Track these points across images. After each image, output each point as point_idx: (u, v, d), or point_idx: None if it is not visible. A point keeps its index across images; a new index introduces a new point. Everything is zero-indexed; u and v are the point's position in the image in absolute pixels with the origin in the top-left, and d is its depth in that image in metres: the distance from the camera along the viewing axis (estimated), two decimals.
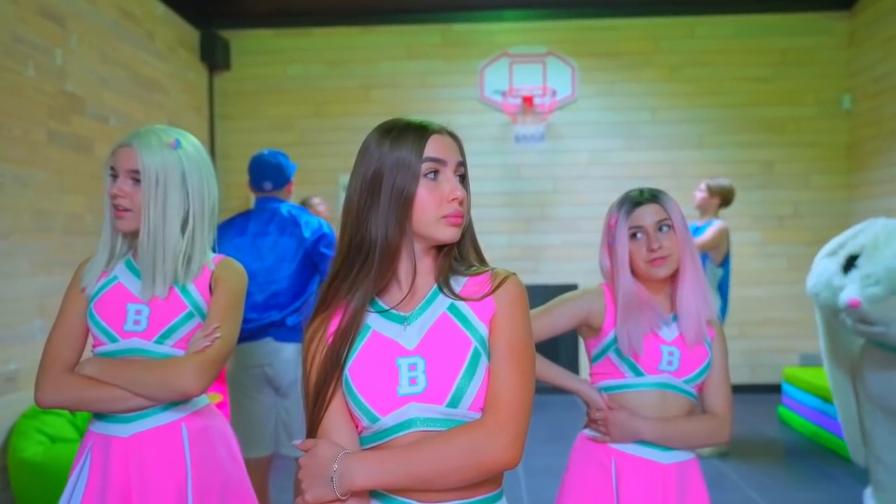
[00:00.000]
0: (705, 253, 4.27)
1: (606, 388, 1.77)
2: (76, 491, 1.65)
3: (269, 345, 2.85)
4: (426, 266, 1.25)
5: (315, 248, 2.90)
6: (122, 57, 4.76)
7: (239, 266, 1.77)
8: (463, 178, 1.23)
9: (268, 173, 2.96)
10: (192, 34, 5.90)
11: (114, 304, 1.65)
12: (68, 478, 1.69)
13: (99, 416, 1.67)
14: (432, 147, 1.18)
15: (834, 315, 2.78)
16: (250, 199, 6.08)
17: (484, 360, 1.17)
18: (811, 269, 2.94)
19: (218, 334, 1.63)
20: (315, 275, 2.95)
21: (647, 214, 1.72)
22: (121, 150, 1.65)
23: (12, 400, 3.58)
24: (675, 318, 1.74)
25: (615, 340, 1.74)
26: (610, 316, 1.75)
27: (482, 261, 1.29)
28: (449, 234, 1.19)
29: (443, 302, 1.22)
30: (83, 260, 1.76)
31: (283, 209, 2.96)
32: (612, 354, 1.75)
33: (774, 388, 5.77)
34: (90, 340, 1.71)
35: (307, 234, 2.90)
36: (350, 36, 6.22)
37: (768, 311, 6.08)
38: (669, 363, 1.71)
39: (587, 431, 1.81)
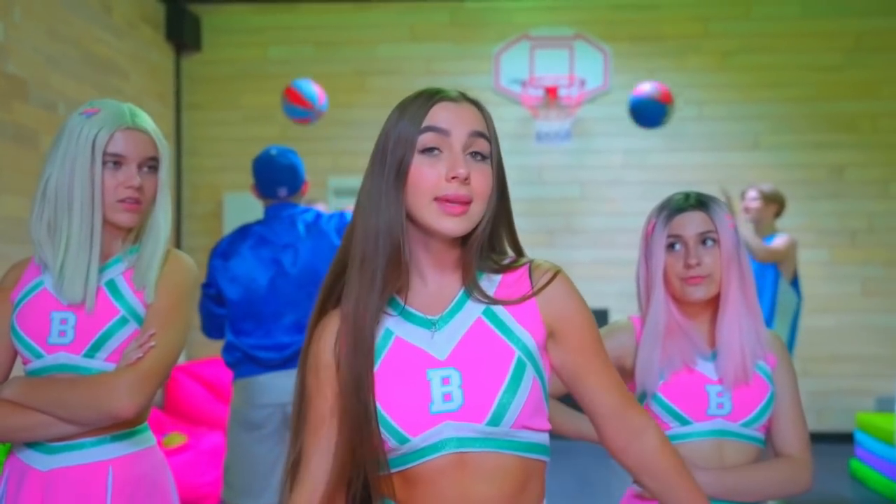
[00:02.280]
0: (775, 266, 4.29)
1: None
2: None
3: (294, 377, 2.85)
4: (452, 260, 1.24)
5: None
6: (73, 33, 4.79)
7: (188, 259, 1.77)
8: (482, 157, 1.19)
9: (283, 178, 2.98)
10: (156, 8, 5.94)
11: (37, 314, 1.64)
12: None
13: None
14: (436, 114, 1.17)
15: None
16: (222, 204, 6.13)
17: (530, 372, 1.19)
18: None
19: (153, 343, 1.60)
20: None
21: (690, 224, 1.71)
22: (130, 135, 1.64)
23: None
24: (716, 355, 1.72)
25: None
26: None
27: (519, 251, 1.29)
28: (446, 224, 1.16)
29: (476, 305, 1.23)
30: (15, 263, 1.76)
31: (308, 216, 3.01)
32: (650, 401, 1.73)
33: (845, 438, 5.72)
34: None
35: (338, 238, 2.92)
36: (343, 13, 6.27)
37: (838, 345, 6.07)
38: (720, 406, 1.68)
39: (635, 487, 1.76)
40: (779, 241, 4.34)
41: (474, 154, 1.18)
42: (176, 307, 1.69)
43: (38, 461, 1.63)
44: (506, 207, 1.26)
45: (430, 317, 1.23)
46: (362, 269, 1.20)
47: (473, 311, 1.23)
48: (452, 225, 1.16)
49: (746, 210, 4.54)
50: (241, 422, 2.92)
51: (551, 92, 5.98)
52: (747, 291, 1.71)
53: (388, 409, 1.17)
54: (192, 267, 1.77)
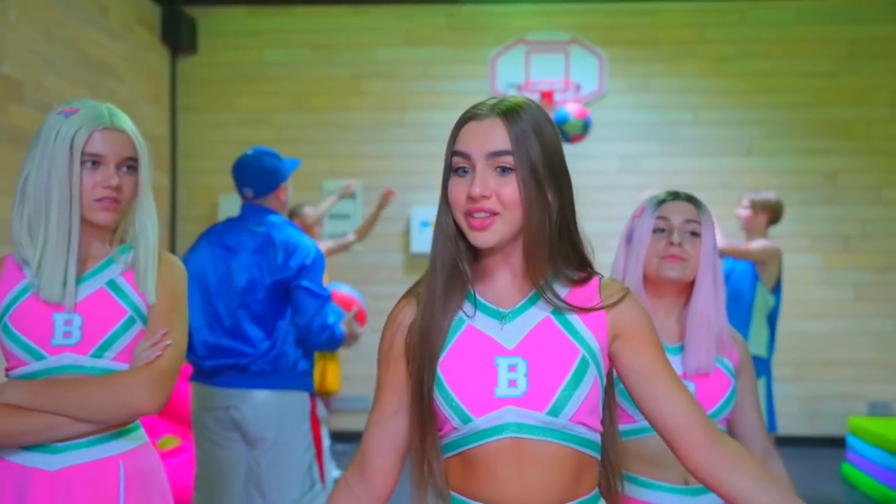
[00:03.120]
0: (754, 272, 4.32)
1: (622, 434, 1.80)
2: None
3: (231, 391, 2.83)
4: (518, 263, 1.32)
5: (295, 281, 2.85)
6: (68, 35, 4.79)
7: (177, 260, 1.82)
8: (507, 170, 1.26)
9: (248, 178, 2.94)
10: (151, 10, 5.94)
11: (35, 316, 1.65)
12: None
13: None
14: (463, 137, 1.27)
15: None
16: (217, 206, 6.14)
17: (592, 371, 1.26)
18: None
19: (168, 341, 1.66)
20: (286, 310, 2.89)
21: (678, 211, 1.83)
22: (108, 135, 1.65)
23: None
24: (682, 348, 1.83)
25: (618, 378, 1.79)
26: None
27: (586, 265, 1.36)
28: (475, 238, 1.26)
29: (544, 306, 1.30)
30: None
31: (263, 224, 2.91)
32: (618, 394, 1.80)
33: (838, 442, 5.75)
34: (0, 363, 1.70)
35: (287, 259, 2.85)
36: (339, 16, 6.28)
37: (831, 350, 6.09)
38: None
39: None
40: (755, 244, 4.36)
41: (500, 168, 1.25)
42: (178, 308, 1.75)
43: (46, 462, 1.63)
44: (564, 213, 1.33)
45: (501, 309, 1.31)
46: (431, 277, 1.32)
47: (543, 309, 1.30)
48: (479, 238, 1.25)
49: (738, 217, 4.57)
50: (196, 425, 2.92)
51: (547, 96, 6.00)
52: (718, 290, 1.82)
53: (456, 389, 1.25)
54: (182, 267, 1.82)
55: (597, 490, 1.34)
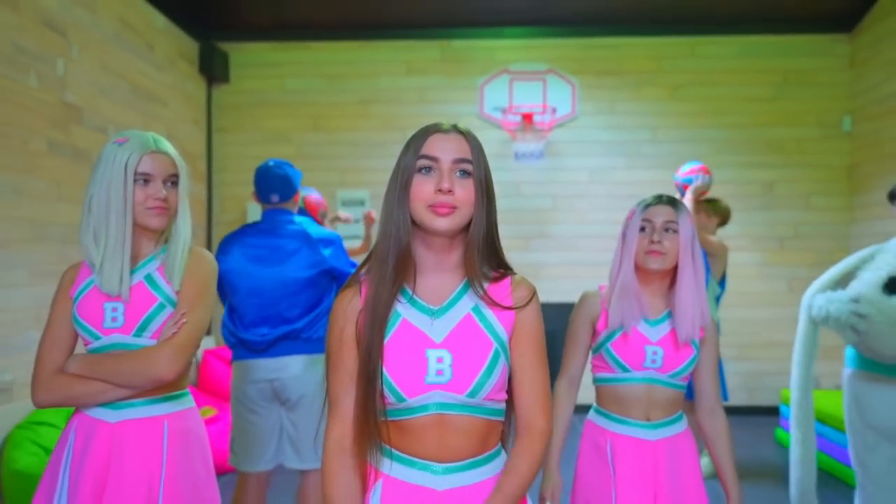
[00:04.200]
0: (706, 265, 4.37)
1: (600, 380, 2.00)
2: (64, 468, 1.77)
3: (278, 361, 2.84)
4: (452, 261, 1.37)
5: (334, 267, 2.90)
6: (121, 68, 4.84)
7: (208, 254, 1.91)
8: (466, 174, 1.32)
9: (275, 185, 2.95)
10: (191, 46, 5.99)
11: (92, 305, 1.78)
12: (51, 455, 1.82)
13: None
14: (429, 145, 1.32)
15: (860, 341, 2.73)
16: (246, 212, 6.21)
17: (502, 359, 1.34)
18: (810, 302, 2.91)
19: (185, 320, 1.77)
20: (331, 286, 2.96)
21: (659, 214, 1.95)
22: (155, 157, 1.78)
23: (7, 410, 3.64)
24: (668, 316, 1.96)
25: (607, 339, 1.96)
26: (604, 316, 1.98)
27: (502, 264, 1.41)
28: (437, 223, 1.29)
29: (467, 302, 1.35)
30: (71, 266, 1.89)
31: (295, 221, 2.97)
32: (603, 351, 1.98)
33: (772, 411, 5.83)
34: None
35: (322, 248, 2.91)
36: (348, 50, 6.30)
37: (768, 334, 6.12)
38: (653, 361, 1.93)
39: (590, 416, 2.04)
40: (712, 239, 4.42)
41: (460, 172, 1.31)
42: (200, 293, 1.83)
43: (107, 415, 1.78)
44: (492, 219, 1.36)
45: (431, 306, 1.35)
46: (380, 263, 1.34)
47: (465, 307, 1.35)
48: (442, 222, 1.29)
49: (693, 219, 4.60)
50: (238, 397, 2.90)
51: (527, 118, 6.03)
52: (698, 272, 1.93)
53: (392, 374, 1.30)
54: (212, 260, 1.91)
55: (499, 445, 1.41)
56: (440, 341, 1.32)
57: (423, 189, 1.30)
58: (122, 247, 1.76)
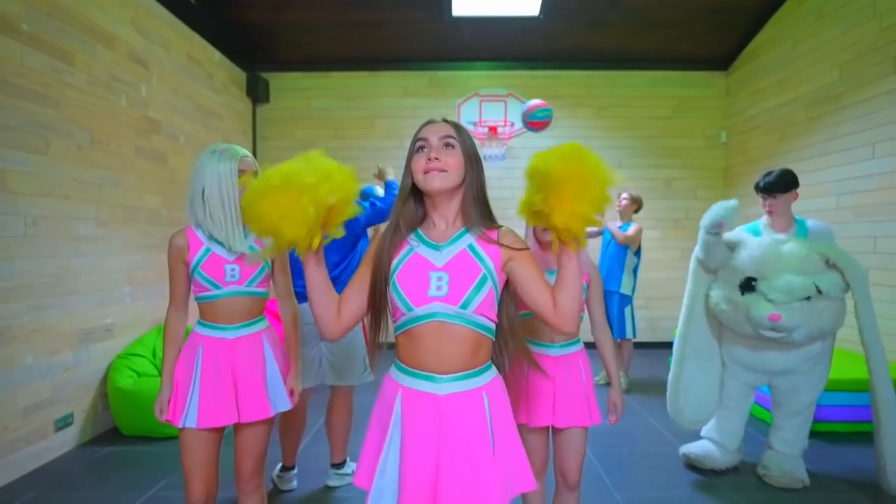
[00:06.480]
0: (627, 245, 4.47)
1: (524, 316, 1.75)
2: (196, 372, 1.77)
3: None
4: (452, 214, 1.34)
5: (364, 226, 2.77)
6: (188, 91, 4.79)
7: None
8: (450, 146, 1.30)
9: None
10: (240, 75, 5.91)
11: (214, 265, 1.80)
12: (176, 366, 1.80)
13: (204, 323, 1.82)
14: (422, 132, 1.32)
15: (737, 324, 2.71)
16: None
17: (489, 283, 1.27)
18: (699, 239, 2.90)
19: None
20: (359, 240, 2.80)
21: None
22: (248, 160, 1.81)
23: (110, 346, 3.66)
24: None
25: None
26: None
27: (492, 219, 1.37)
28: (430, 183, 1.28)
29: (465, 241, 1.31)
30: (173, 233, 1.87)
31: None
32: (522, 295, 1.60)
33: (668, 345, 5.89)
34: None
35: (358, 220, 2.73)
36: (360, 78, 6.24)
37: (665, 289, 6.20)
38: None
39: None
40: (631, 229, 4.41)
41: (446, 146, 1.31)
42: (285, 259, 1.97)
43: (226, 334, 1.79)
44: (482, 180, 1.35)
45: (438, 244, 1.32)
46: (393, 214, 1.35)
47: (462, 244, 1.31)
48: (435, 181, 1.28)
49: (618, 206, 4.60)
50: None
51: (493, 130, 6.00)
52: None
53: (404, 290, 1.28)
54: None
55: (489, 362, 1.34)
56: (441, 265, 1.28)
57: (418, 163, 1.29)
58: (233, 219, 1.76)
